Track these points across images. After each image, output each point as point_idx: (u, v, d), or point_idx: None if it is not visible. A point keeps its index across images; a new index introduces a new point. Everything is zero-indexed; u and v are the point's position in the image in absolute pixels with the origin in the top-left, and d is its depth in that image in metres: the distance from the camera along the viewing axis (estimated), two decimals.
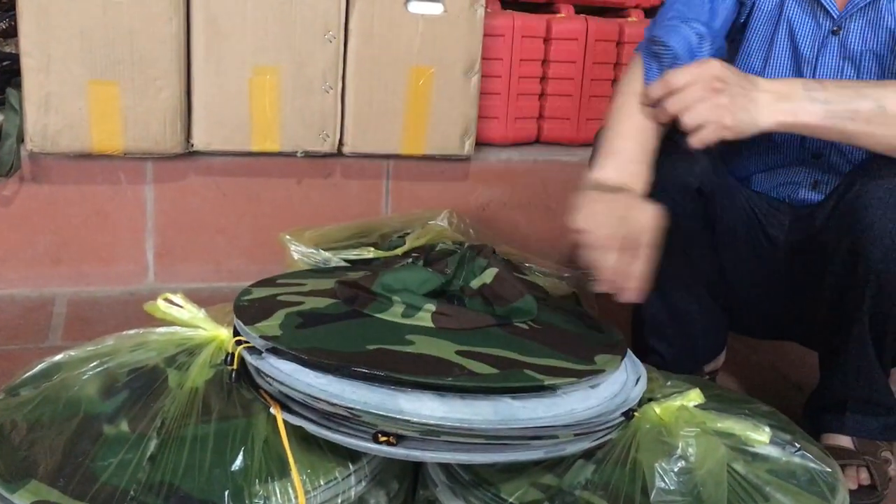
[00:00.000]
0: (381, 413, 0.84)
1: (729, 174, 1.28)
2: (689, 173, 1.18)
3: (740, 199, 1.27)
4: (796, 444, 0.99)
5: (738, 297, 1.34)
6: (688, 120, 1.04)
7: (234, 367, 0.96)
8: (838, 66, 1.18)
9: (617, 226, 1.05)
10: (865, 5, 1.15)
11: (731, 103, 1.03)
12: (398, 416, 0.84)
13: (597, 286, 1.07)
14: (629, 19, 1.98)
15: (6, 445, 0.91)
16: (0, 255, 1.63)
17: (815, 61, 1.19)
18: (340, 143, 1.72)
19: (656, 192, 1.19)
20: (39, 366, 1.04)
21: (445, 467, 0.95)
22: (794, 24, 1.20)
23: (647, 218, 1.06)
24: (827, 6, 1.17)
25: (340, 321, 0.98)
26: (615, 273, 1.04)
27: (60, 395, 0.97)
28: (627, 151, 1.13)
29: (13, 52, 1.56)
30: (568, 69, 1.91)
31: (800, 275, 1.26)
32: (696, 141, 1.04)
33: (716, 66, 1.04)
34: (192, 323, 1.04)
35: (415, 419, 0.84)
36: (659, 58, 1.18)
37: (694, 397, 0.98)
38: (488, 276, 1.06)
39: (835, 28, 1.17)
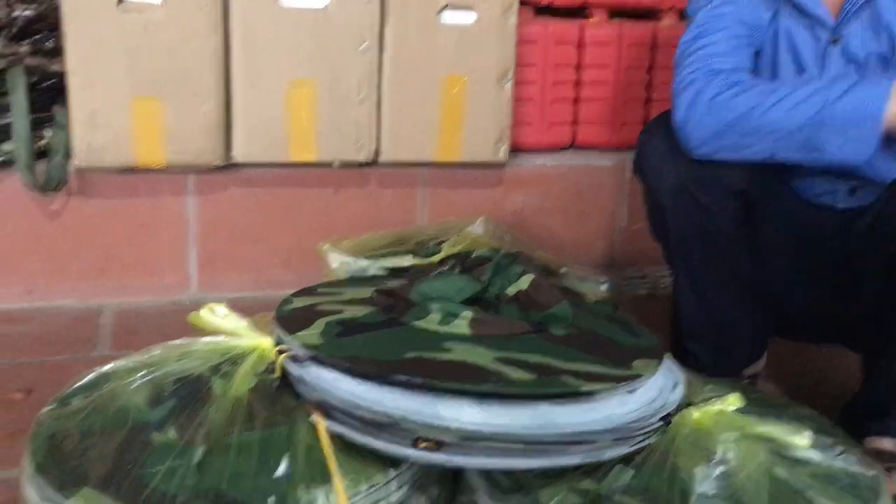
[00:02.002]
0: (420, 420, 0.86)
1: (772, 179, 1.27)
2: (732, 176, 1.18)
3: (784, 204, 1.27)
4: (838, 448, 0.98)
5: (780, 301, 1.33)
6: None
7: (277, 375, 0.98)
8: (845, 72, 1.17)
9: None
10: (859, 8, 1.14)
11: None
12: (437, 423, 0.86)
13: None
14: (663, 22, 1.98)
15: (59, 454, 0.94)
16: (49, 267, 1.68)
17: (821, 74, 1.18)
18: (376, 152, 1.74)
19: (699, 193, 1.19)
20: (89, 376, 1.07)
21: (485, 473, 0.96)
22: (793, 41, 1.19)
23: None
24: (821, 17, 1.16)
25: (379, 329, 0.99)
26: None
27: (110, 405, 1.00)
28: None
29: (59, 70, 1.61)
30: (602, 73, 1.92)
31: (843, 279, 1.25)
32: None
33: None
34: (235, 332, 1.06)
35: (454, 426, 0.86)
36: None
37: (733, 401, 0.98)
38: (524, 282, 1.07)
39: (833, 38, 1.16)
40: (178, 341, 1.10)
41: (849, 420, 1.25)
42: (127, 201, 1.69)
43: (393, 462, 0.93)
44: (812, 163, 1.13)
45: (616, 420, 0.89)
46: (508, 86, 1.77)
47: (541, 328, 1.02)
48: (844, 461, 0.97)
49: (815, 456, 0.96)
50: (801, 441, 0.96)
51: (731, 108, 1.11)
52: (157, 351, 1.09)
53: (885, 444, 1.21)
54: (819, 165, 1.16)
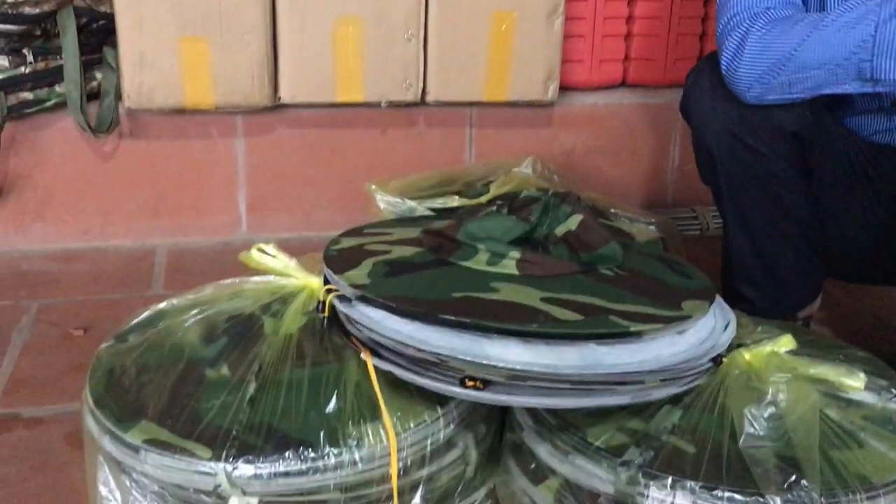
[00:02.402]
0: (467, 359, 0.86)
1: (825, 118, 1.23)
2: (785, 116, 1.14)
3: (839, 143, 1.23)
4: (893, 390, 0.96)
5: (835, 242, 1.30)
6: None
7: (326, 314, 0.99)
8: None
9: None
10: None
11: None
12: (485, 362, 0.86)
13: None
14: None
15: (117, 388, 0.97)
16: (103, 208, 1.71)
17: None
18: (423, 91, 1.72)
19: (748, 136, 1.16)
20: (144, 313, 1.10)
21: (532, 411, 0.97)
22: None
23: None
24: None
25: (426, 269, 0.99)
26: None
27: (165, 341, 1.03)
28: None
29: (108, 11, 1.61)
30: (655, 8, 1.86)
31: None
32: None
33: None
34: (284, 272, 1.08)
35: (501, 365, 0.86)
36: None
37: (786, 343, 0.96)
38: (573, 222, 1.06)
39: None
40: (229, 281, 1.12)
41: None
42: (177, 143, 1.71)
43: (440, 400, 0.94)
44: (867, 92, 1.08)
45: (664, 361, 0.89)
46: (558, 22, 1.73)
47: (589, 268, 1.01)
48: None
49: (868, 398, 0.95)
50: (854, 383, 0.94)
51: (777, 45, 1.07)
52: (209, 290, 1.11)
53: None
54: (875, 97, 1.12)
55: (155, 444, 0.89)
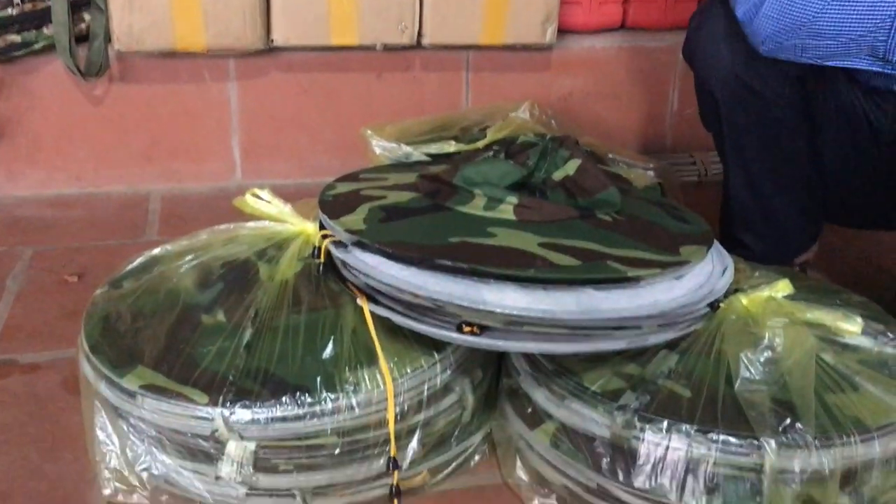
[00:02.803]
0: (464, 304, 0.86)
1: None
2: (788, 61, 1.12)
3: (842, 88, 1.21)
4: (889, 335, 0.96)
5: (835, 187, 1.29)
6: None
7: (322, 260, 0.98)
8: None
9: None
10: None
11: None
12: (481, 308, 0.86)
13: None
14: None
15: (113, 334, 0.97)
16: (96, 153, 1.69)
17: None
18: (419, 34, 1.69)
19: (753, 81, 1.14)
20: (139, 259, 1.10)
21: (528, 356, 0.97)
22: None
23: None
24: None
25: (423, 215, 0.99)
26: None
27: (160, 287, 1.02)
28: None
29: None
30: None
31: None
32: None
33: None
34: (279, 218, 1.07)
35: (498, 310, 0.85)
36: None
37: (783, 288, 0.96)
38: (571, 167, 1.05)
39: None
40: (223, 226, 1.11)
41: None
42: (169, 87, 1.68)
43: (437, 345, 0.94)
44: (875, 70, 1.06)
45: (662, 306, 0.89)
46: None
47: (587, 214, 1.00)
48: (894, 347, 0.95)
49: (864, 342, 0.95)
50: (851, 327, 0.94)
51: (797, 8, 1.04)
52: (203, 236, 1.10)
53: None
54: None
55: (151, 389, 0.89)
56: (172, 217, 1.62)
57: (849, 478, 0.83)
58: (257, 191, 1.07)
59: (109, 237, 1.53)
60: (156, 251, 1.10)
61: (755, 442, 0.82)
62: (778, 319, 0.93)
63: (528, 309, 0.85)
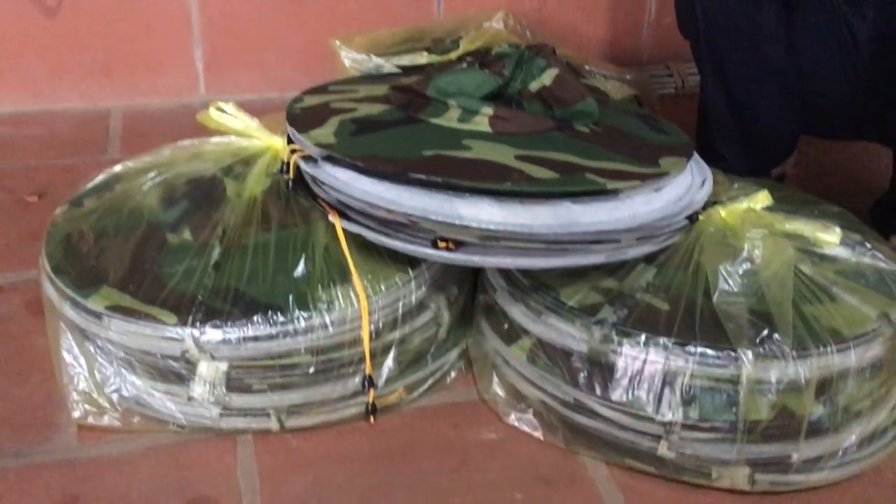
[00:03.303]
0: (439, 219, 0.83)
1: None
2: None
3: None
4: (866, 245, 0.96)
5: (813, 96, 1.27)
6: None
7: (291, 176, 0.95)
8: None
9: None
10: None
11: None
12: (457, 222, 0.83)
13: None
14: None
15: (76, 254, 0.94)
16: (52, 68, 1.62)
17: None
18: None
19: None
20: (100, 177, 1.06)
21: (505, 272, 0.96)
22: None
23: None
24: None
25: (395, 127, 0.95)
26: None
27: (123, 205, 0.99)
28: None
29: None
30: None
31: (880, 71, 1.18)
32: None
33: None
34: (245, 132, 1.03)
35: (474, 225, 0.83)
36: None
37: (762, 199, 0.95)
38: (548, 77, 1.01)
39: None
40: (187, 142, 1.07)
41: (878, 218, 1.23)
42: None
43: (411, 262, 0.92)
44: None
45: (641, 218, 0.87)
46: None
47: (564, 125, 0.97)
48: (872, 258, 0.95)
49: (842, 253, 0.94)
50: (829, 238, 0.93)
51: None
52: (166, 152, 1.06)
53: None
54: None
55: (118, 310, 0.86)
56: (134, 134, 1.56)
57: (824, 387, 0.84)
58: (222, 104, 1.03)
59: (69, 155, 1.48)
60: (117, 168, 1.06)
61: (732, 354, 0.82)
62: (756, 231, 0.92)
63: (504, 223, 0.83)
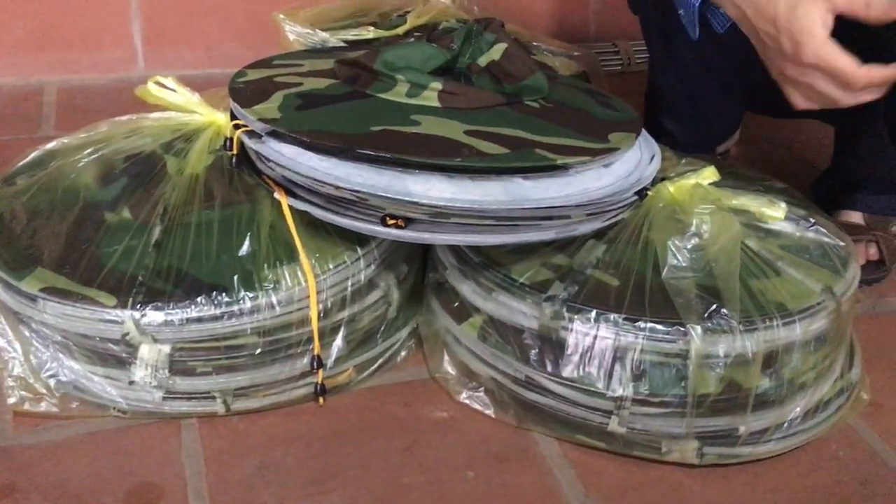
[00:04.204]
0: (388, 196, 0.82)
1: None
2: None
3: None
4: (811, 220, 0.97)
5: (758, 72, 1.28)
6: None
7: (235, 152, 0.92)
8: None
9: None
10: None
11: None
12: (406, 199, 0.82)
13: None
14: None
15: (8, 234, 0.90)
16: None
17: None
18: None
19: None
20: (33, 154, 1.02)
21: (455, 249, 0.95)
22: None
23: None
24: None
25: (342, 102, 0.93)
26: None
27: (58, 184, 0.95)
28: None
29: None
30: None
31: None
32: None
33: None
34: (186, 107, 1.00)
35: (423, 201, 0.82)
36: None
37: (709, 175, 0.95)
38: (496, 52, 1.00)
39: None
40: (125, 118, 1.04)
41: (820, 194, 1.25)
42: None
43: (360, 240, 0.90)
44: None
45: (591, 194, 0.86)
46: None
47: (514, 100, 0.96)
48: (815, 233, 0.96)
49: (787, 227, 0.95)
50: (775, 213, 0.94)
51: None
52: (103, 128, 1.02)
53: (854, 217, 1.21)
54: None
55: (53, 292, 0.83)
56: (70, 110, 1.51)
57: (770, 360, 0.85)
58: (161, 79, 1.00)
59: (1, 132, 1.42)
60: (51, 145, 1.02)
61: (681, 328, 0.83)
62: (704, 206, 0.92)
63: (454, 199, 0.82)
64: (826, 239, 0.95)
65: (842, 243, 0.96)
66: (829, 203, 1.23)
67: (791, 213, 0.97)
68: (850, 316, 0.94)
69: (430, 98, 0.93)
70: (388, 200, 0.82)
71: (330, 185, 0.83)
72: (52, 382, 0.86)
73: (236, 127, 0.91)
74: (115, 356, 0.84)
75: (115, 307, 0.82)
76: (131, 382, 0.85)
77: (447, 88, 0.93)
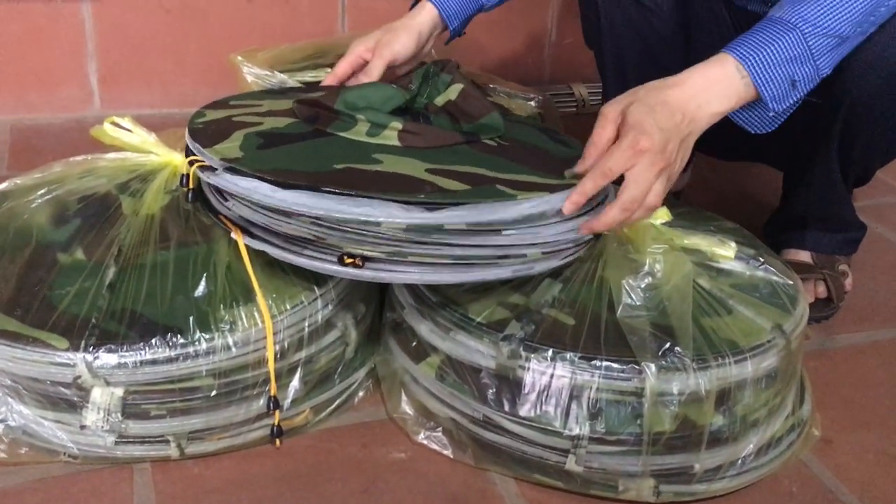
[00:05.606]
0: (347, 216, 0.80)
1: None
2: None
3: (718, 8, 1.22)
4: (760, 259, 1.00)
5: None
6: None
7: (191, 185, 0.92)
8: None
9: None
10: None
11: None
12: (363, 218, 0.81)
13: None
14: None
15: None
16: None
17: None
18: None
19: None
20: None
21: (412, 289, 0.95)
22: None
23: None
24: None
25: (303, 141, 0.93)
26: None
27: (10, 224, 0.94)
28: None
29: None
30: None
31: None
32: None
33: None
34: (143, 148, 0.99)
35: (382, 219, 0.81)
36: None
37: (662, 215, 0.97)
38: (453, 92, 1.01)
39: None
40: (80, 158, 1.03)
41: (769, 234, 1.28)
42: (14, 5, 1.52)
43: (317, 280, 0.90)
44: None
45: (547, 233, 0.87)
46: None
47: (472, 138, 0.97)
48: (765, 271, 0.98)
49: (737, 266, 0.98)
50: (725, 252, 0.97)
51: None
52: (57, 168, 1.01)
53: (802, 256, 1.24)
54: None
55: (3, 335, 0.81)
56: (23, 150, 1.49)
57: (723, 397, 0.86)
58: (117, 119, 0.99)
59: None
60: (4, 185, 1.00)
61: (636, 367, 0.84)
62: (657, 246, 0.94)
63: (412, 217, 0.81)
64: (775, 277, 0.98)
65: (790, 282, 0.98)
66: (779, 243, 1.26)
67: (741, 252, 0.99)
68: (800, 353, 0.96)
69: (391, 137, 0.94)
70: (346, 222, 0.81)
71: (290, 213, 0.82)
72: (0, 428, 0.84)
73: (192, 163, 0.90)
74: (67, 400, 0.82)
75: (67, 350, 0.81)
76: (83, 427, 0.83)
77: (407, 128, 0.95)
